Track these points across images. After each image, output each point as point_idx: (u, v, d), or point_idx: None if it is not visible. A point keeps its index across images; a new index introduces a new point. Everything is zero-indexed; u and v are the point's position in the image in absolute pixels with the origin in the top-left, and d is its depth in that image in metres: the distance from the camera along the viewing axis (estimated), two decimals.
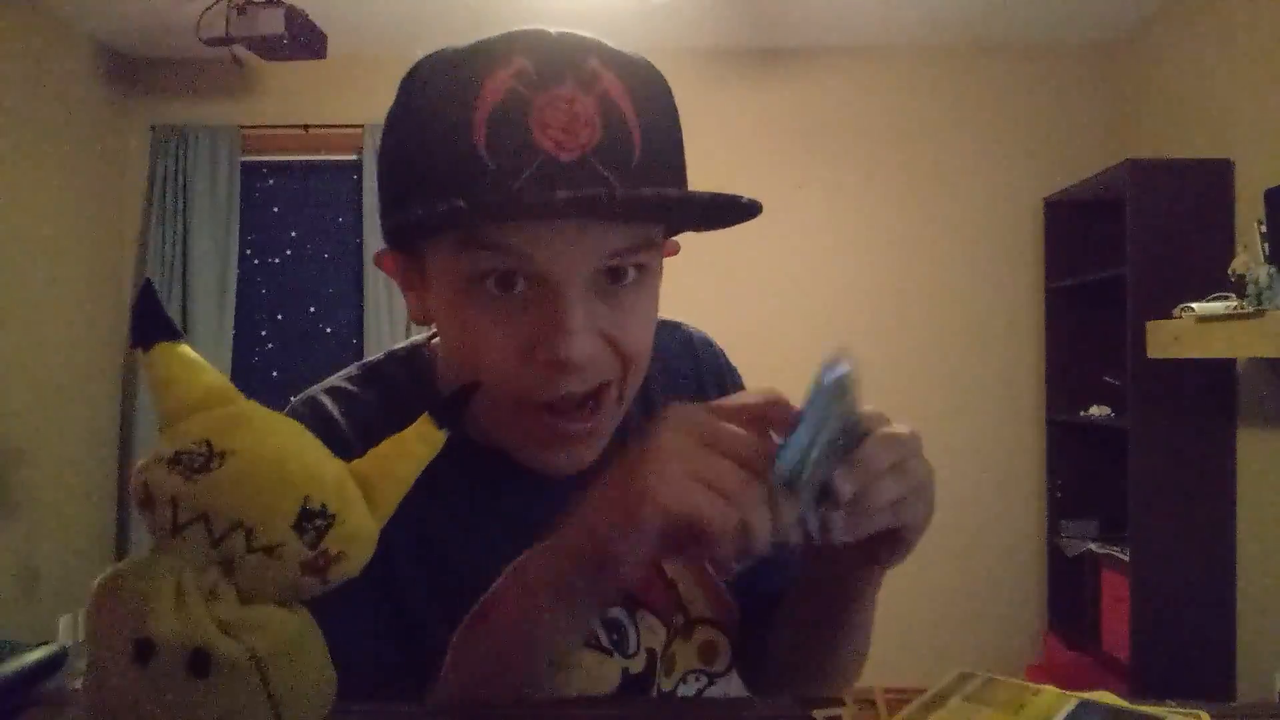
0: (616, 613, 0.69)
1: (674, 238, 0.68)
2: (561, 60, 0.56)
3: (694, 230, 0.65)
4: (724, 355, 0.85)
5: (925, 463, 0.53)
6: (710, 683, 0.73)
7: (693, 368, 0.81)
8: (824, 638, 0.71)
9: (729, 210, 0.58)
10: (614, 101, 0.56)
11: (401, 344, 0.76)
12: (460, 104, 0.55)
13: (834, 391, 0.49)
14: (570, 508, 0.55)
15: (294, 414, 0.69)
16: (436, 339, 0.72)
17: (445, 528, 0.66)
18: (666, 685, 0.71)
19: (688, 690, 0.71)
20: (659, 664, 0.70)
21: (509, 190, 0.53)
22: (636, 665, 0.68)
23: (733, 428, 0.50)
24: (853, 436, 0.51)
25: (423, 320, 0.67)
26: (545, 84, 0.55)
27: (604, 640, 0.68)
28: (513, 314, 0.57)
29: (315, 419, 0.68)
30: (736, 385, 0.84)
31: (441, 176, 0.55)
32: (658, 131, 0.58)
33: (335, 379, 0.73)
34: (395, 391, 0.70)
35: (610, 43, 0.61)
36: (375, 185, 3.55)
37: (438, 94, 0.57)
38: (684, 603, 0.73)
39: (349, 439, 0.65)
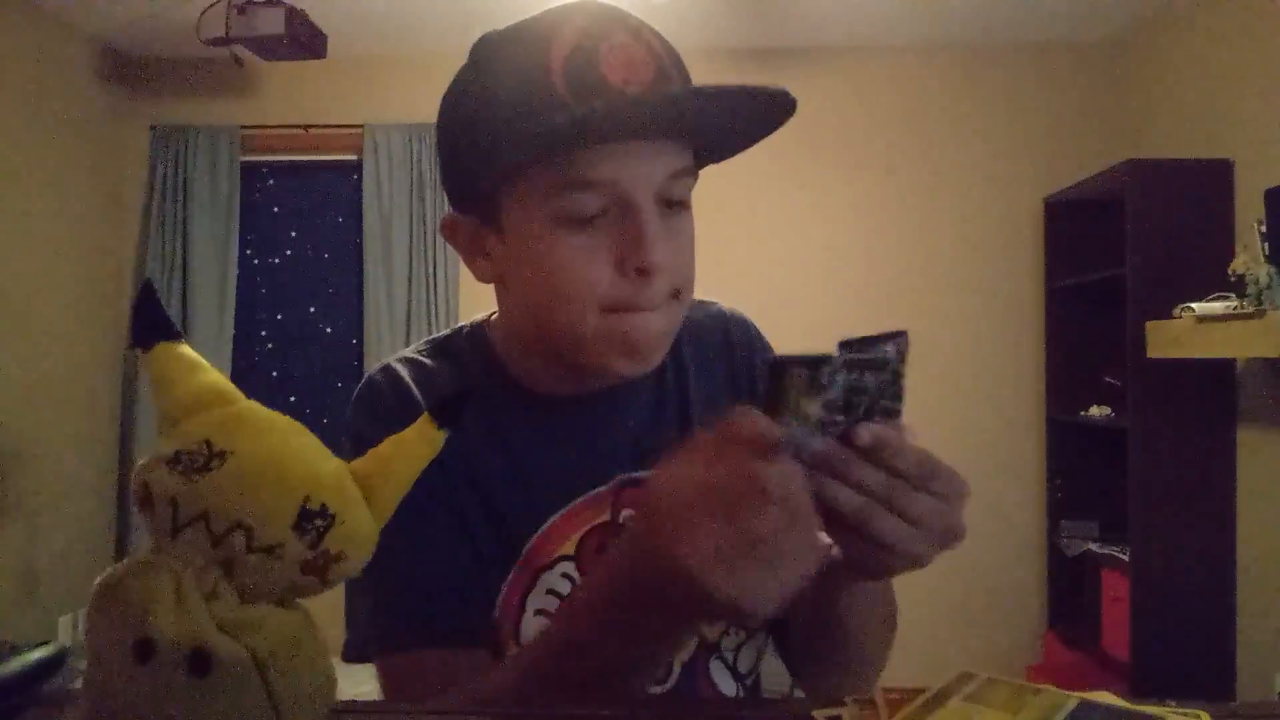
0: None
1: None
2: (611, 17, 0.66)
3: (733, 148, 0.73)
4: (756, 330, 0.88)
5: (958, 516, 0.53)
6: (749, 636, 0.77)
7: (723, 339, 0.85)
8: (819, 644, 0.73)
9: (769, 107, 0.67)
10: (657, 48, 0.67)
11: (464, 322, 0.83)
12: (535, 57, 0.63)
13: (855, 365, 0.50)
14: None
15: (372, 383, 0.77)
16: (495, 316, 0.80)
17: (499, 467, 0.73)
18: (712, 636, 0.74)
19: (729, 643, 0.75)
20: None
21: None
22: None
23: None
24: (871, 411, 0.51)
25: (492, 279, 0.73)
26: (605, 34, 0.64)
27: None
28: (599, 238, 0.65)
29: (391, 385, 0.76)
30: (766, 356, 0.87)
31: (526, 121, 0.62)
32: (685, 74, 0.69)
33: (408, 351, 0.81)
34: (461, 363, 0.77)
35: None
36: (373, 185, 3.51)
37: (511, 54, 0.66)
38: None
39: (420, 404, 0.72)
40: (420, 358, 0.78)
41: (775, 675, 0.81)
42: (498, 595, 0.71)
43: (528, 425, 0.75)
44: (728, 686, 0.75)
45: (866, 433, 0.49)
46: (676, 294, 0.69)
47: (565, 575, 0.72)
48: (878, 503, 0.50)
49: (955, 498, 0.52)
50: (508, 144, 0.63)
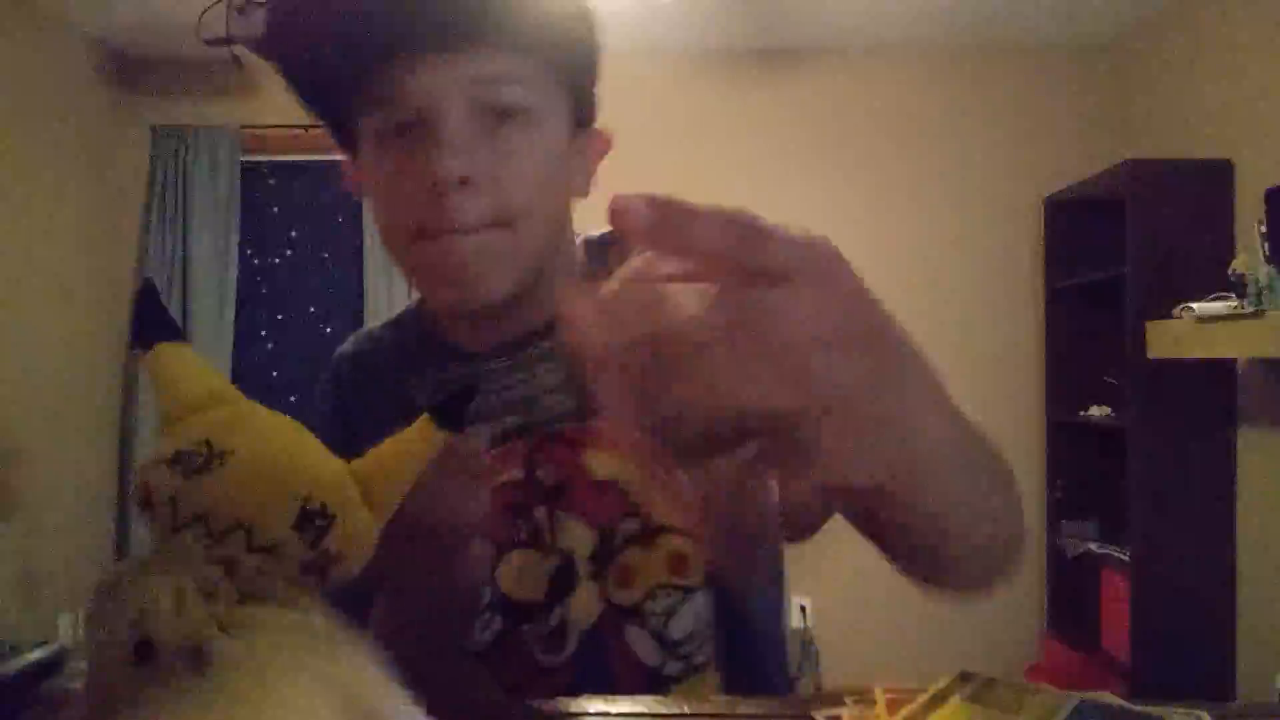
0: (538, 512, 0.69)
1: (604, 131, 0.75)
2: None
3: (577, 76, 0.70)
4: None
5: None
6: (684, 598, 0.68)
7: None
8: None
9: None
10: None
11: None
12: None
13: None
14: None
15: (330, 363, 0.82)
16: None
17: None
18: (627, 600, 0.67)
19: (656, 606, 0.67)
20: (580, 567, 0.68)
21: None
22: (550, 565, 0.68)
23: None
24: None
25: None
26: None
27: (525, 535, 0.68)
28: (406, 154, 0.63)
29: (335, 362, 0.83)
30: None
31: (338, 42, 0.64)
32: None
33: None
34: (400, 325, 0.82)
35: None
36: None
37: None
38: (635, 508, 0.68)
39: (351, 376, 0.80)
40: (374, 330, 0.84)
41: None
42: None
43: (422, 377, 0.75)
44: (650, 655, 0.67)
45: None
46: (504, 223, 0.64)
47: None
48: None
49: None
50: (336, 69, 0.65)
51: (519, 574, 0.68)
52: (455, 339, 0.75)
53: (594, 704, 0.61)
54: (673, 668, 0.68)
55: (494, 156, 0.63)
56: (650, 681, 0.67)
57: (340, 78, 0.64)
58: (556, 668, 0.67)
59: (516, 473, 0.70)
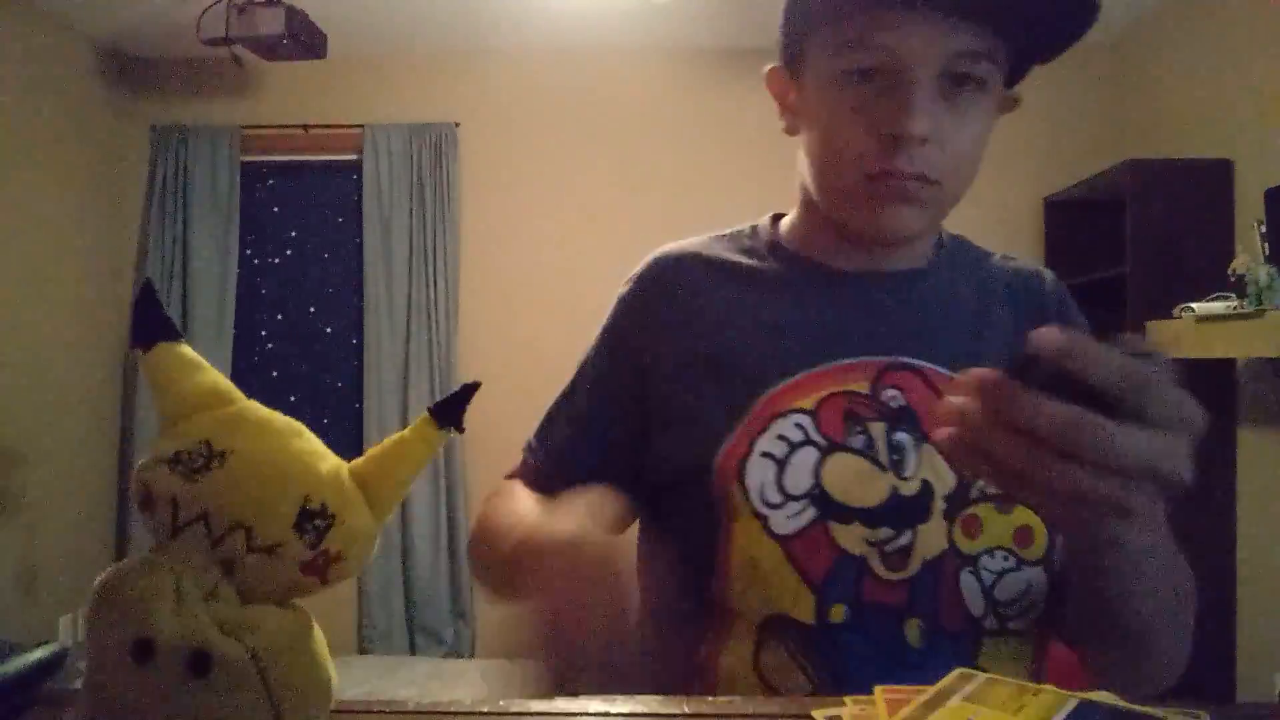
0: (900, 436, 0.72)
1: (1015, 90, 0.77)
2: None
3: (1036, 56, 0.72)
4: (1071, 302, 0.89)
5: (1177, 450, 0.40)
6: (1018, 567, 0.71)
7: (1038, 287, 0.87)
8: (1086, 618, 0.68)
9: (1066, 11, 0.66)
10: None
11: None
12: None
13: None
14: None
15: (646, 263, 0.84)
16: (782, 218, 0.86)
17: (746, 323, 0.77)
18: (969, 548, 0.70)
19: (993, 564, 0.70)
20: (937, 498, 0.71)
21: None
22: (909, 488, 0.71)
23: None
24: None
25: (791, 131, 0.79)
26: None
27: (883, 457, 0.71)
28: (869, 99, 0.68)
29: (656, 262, 0.83)
30: (1076, 322, 0.85)
31: None
32: None
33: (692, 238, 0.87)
34: (736, 238, 0.85)
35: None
36: (373, 185, 3.58)
37: None
38: None
39: (684, 279, 0.81)
40: (699, 240, 0.85)
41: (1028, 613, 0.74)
42: (722, 440, 0.72)
43: (791, 288, 0.79)
44: (976, 604, 0.70)
45: (1051, 336, 0.38)
46: (936, 180, 0.69)
47: (798, 425, 0.72)
48: (1040, 448, 0.39)
49: (1175, 424, 0.39)
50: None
51: (843, 477, 0.71)
52: (828, 261, 0.79)
53: (594, 704, 0.61)
54: (991, 623, 0.71)
55: (949, 122, 0.68)
56: (968, 626, 0.70)
57: (838, 12, 0.68)
58: (894, 583, 0.70)
59: (862, 385, 0.74)
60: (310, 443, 0.48)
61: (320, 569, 0.45)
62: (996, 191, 3.66)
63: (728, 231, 0.87)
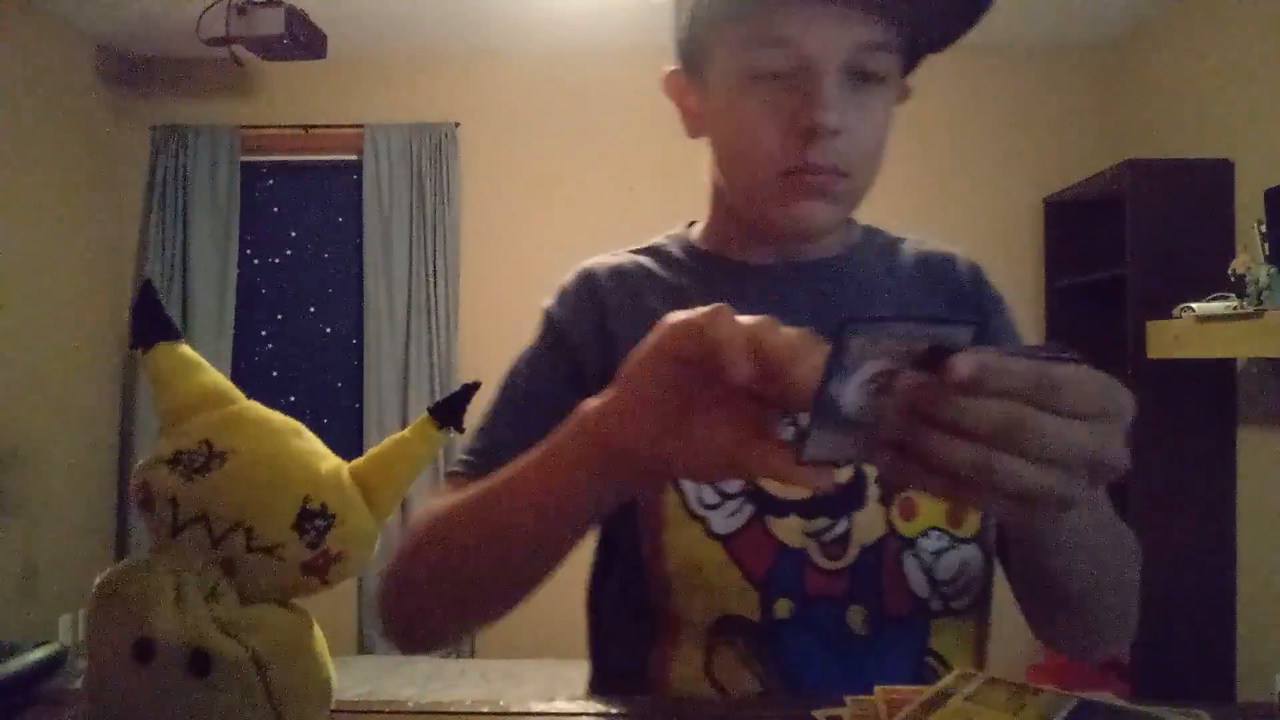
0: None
1: (906, 79, 0.77)
2: None
3: (937, 34, 0.73)
4: (987, 283, 0.89)
5: (1110, 438, 0.40)
6: (953, 545, 0.72)
7: (950, 272, 0.87)
8: (1029, 581, 0.69)
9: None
10: None
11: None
12: None
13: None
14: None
15: (571, 277, 0.83)
16: (695, 225, 0.87)
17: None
18: (908, 530, 0.71)
19: (929, 544, 0.72)
20: (869, 483, 0.72)
21: None
22: (842, 475, 0.72)
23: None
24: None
25: (697, 134, 0.79)
26: None
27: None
28: (780, 97, 0.69)
29: (581, 279, 0.82)
30: (995, 312, 0.85)
31: None
32: None
33: (613, 252, 0.86)
34: (656, 250, 0.85)
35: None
36: (373, 185, 3.55)
37: None
38: None
39: (601, 299, 0.80)
40: (619, 256, 0.85)
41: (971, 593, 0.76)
42: None
43: (708, 288, 0.78)
44: (920, 587, 0.71)
45: (965, 364, 0.38)
46: (847, 172, 0.70)
47: None
48: (989, 446, 0.39)
49: (1104, 415, 0.39)
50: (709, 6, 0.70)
51: None
52: (744, 258, 0.80)
53: (594, 704, 0.61)
54: (936, 604, 0.72)
55: (855, 114, 0.69)
56: (915, 610, 0.71)
57: (741, 11, 0.68)
58: (834, 572, 0.71)
59: None
60: (310, 443, 0.48)
61: (320, 569, 0.45)
62: (996, 191, 3.66)
63: (646, 244, 0.87)
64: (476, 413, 0.73)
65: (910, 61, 0.75)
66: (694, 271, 0.82)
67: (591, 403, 0.51)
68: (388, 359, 3.68)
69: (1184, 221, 2.93)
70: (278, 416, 0.48)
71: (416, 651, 0.72)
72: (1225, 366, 2.88)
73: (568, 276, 0.84)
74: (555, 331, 0.80)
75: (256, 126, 3.78)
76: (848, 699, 0.54)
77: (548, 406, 0.72)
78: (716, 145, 0.76)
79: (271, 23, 2.92)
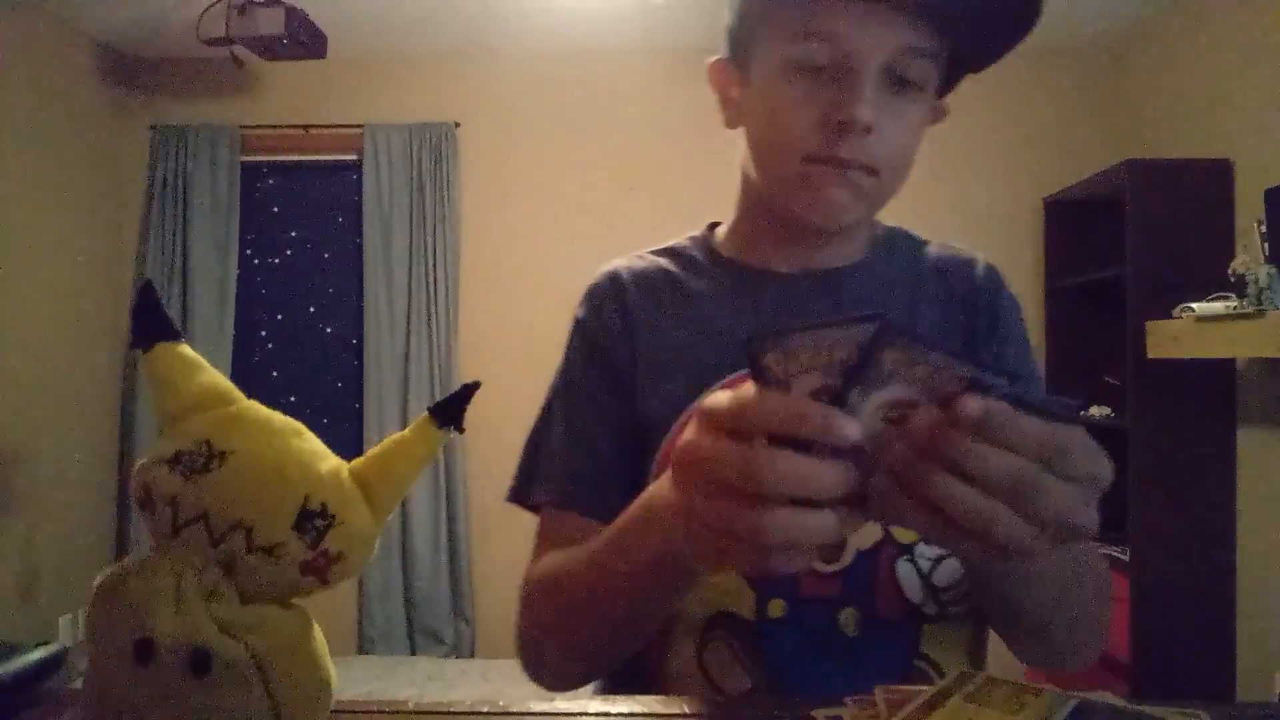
0: None
1: (945, 100, 0.79)
2: None
3: (981, 50, 0.74)
4: (1004, 287, 0.87)
5: (1089, 506, 0.41)
6: (950, 553, 0.73)
7: (968, 275, 0.86)
8: (999, 612, 0.69)
9: (1014, 5, 0.68)
10: None
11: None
12: None
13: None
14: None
15: (597, 278, 0.84)
16: (718, 226, 0.88)
17: (689, 331, 0.79)
18: (906, 537, 0.72)
19: (929, 550, 0.72)
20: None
21: None
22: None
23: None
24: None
25: (735, 124, 0.80)
26: None
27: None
28: (818, 90, 0.70)
29: (608, 279, 0.84)
30: (1006, 317, 0.84)
31: None
32: None
33: (637, 253, 0.88)
34: (675, 252, 0.86)
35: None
36: (373, 185, 3.55)
37: None
38: None
39: (627, 298, 0.82)
40: (642, 257, 0.86)
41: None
42: (662, 445, 0.75)
43: (729, 295, 0.80)
44: (914, 592, 0.71)
45: (974, 406, 0.38)
46: (875, 171, 0.71)
47: None
48: (999, 498, 0.39)
49: (1091, 482, 0.40)
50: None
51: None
52: (765, 265, 0.81)
53: (594, 704, 0.61)
54: (930, 609, 0.72)
55: (889, 116, 0.70)
56: (907, 614, 0.72)
57: (789, 2, 0.70)
58: (828, 575, 0.71)
59: None
60: (310, 443, 0.48)
61: (320, 569, 0.45)
62: (996, 191, 3.66)
63: (667, 245, 0.88)
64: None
65: (950, 79, 0.76)
66: (714, 278, 0.82)
67: (658, 495, 0.56)
68: (388, 359, 3.68)
69: (1184, 221, 2.93)
70: (278, 416, 0.48)
71: (564, 690, 0.76)
72: (1225, 366, 2.88)
73: (595, 278, 0.85)
74: (590, 343, 0.81)
75: (256, 126, 3.78)
76: (848, 699, 0.54)
77: (607, 423, 0.79)
78: (750, 133, 0.77)
79: (272, 23, 2.92)
